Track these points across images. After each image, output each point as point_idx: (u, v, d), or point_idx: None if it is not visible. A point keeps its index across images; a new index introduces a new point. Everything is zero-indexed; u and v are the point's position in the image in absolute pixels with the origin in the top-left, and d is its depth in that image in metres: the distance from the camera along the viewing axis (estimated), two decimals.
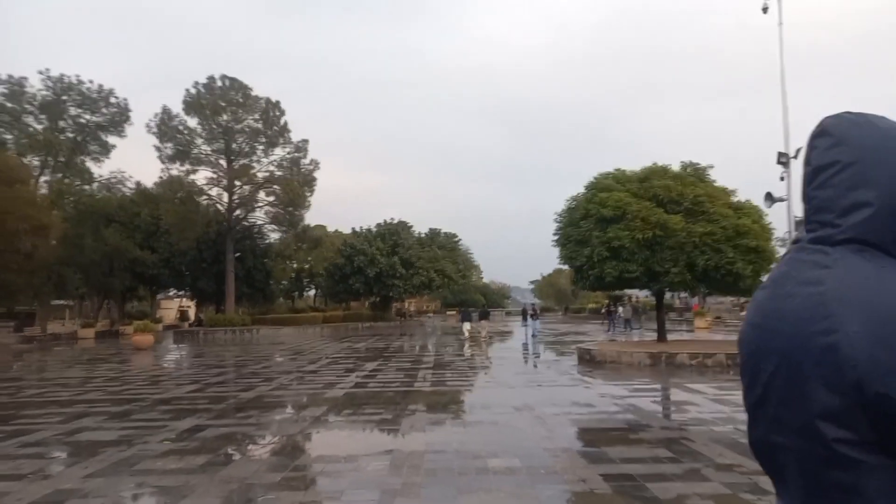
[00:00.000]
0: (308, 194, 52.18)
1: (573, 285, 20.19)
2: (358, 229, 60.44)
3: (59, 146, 44.95)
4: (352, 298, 57.44)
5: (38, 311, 41.91)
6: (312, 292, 74.73)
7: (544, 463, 5.58)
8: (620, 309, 28.84)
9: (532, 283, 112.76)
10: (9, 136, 43.50)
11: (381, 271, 53.02)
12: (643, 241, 15.62)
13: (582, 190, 17.53)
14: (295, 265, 69.65)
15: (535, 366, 15.22)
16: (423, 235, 65.39)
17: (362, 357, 18.02)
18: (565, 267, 19.44)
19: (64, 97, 45.78)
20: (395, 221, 59.53)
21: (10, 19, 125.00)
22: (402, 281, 54.07)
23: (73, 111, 46.62)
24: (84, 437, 7.28)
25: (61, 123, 46.07)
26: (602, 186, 17.02)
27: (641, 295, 28.32)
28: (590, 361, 15.05)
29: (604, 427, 7.52)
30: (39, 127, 44.91)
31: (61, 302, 46.70)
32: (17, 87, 43.75)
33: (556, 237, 17.59)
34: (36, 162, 44.03)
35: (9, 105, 43.47)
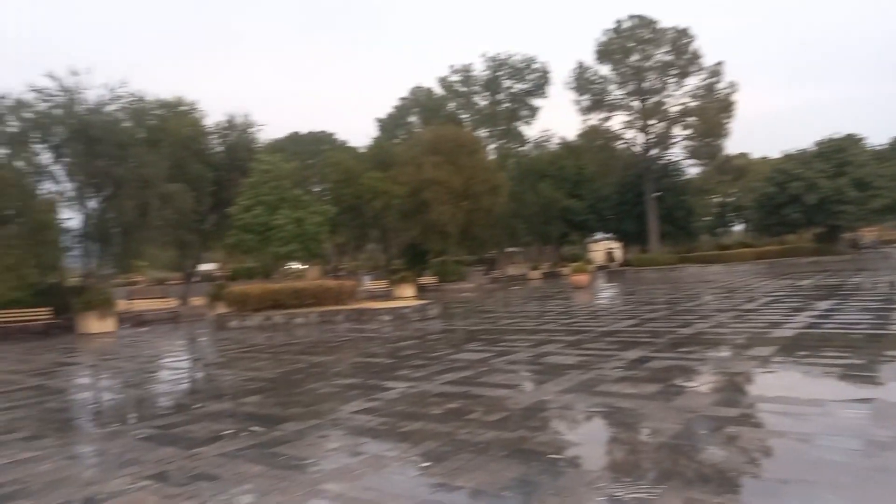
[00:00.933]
0: (726, 121, 48.34)
1: None
2: (791, 152, 52.71)
3: (499, 117, 52.85)
4: (787, 231, 50.87)
5: (498, 256, 50.79)
6: (739, 227, 69.28)
7: None
8: None
9: None
10: (465, 115, 53.36)
11: (825, 197, 45.15)
12: None
13: None
14: (718, 199, 65.58)
15: None
16: (881, 148, 52.80)
17: (810, 295, 15.94)
18: None
19: (499, 73, 53.34)
20: (840, 136, 49.50)
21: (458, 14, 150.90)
22: (854, 206, 44.99)
23: (506, 84, 53.93)
24: (550, 360, 8.61)
25: (499, 96, 53.92)
26: None
27: None
28: None
29: None
30: (483, 103, 53.63)
31: (513, 249, 55.44)
32: (467, 73, 53.17)
33: None
34: (484, 133, 52.87)
35: (463, 89, 53.26)
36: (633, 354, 8.49)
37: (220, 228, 28.41)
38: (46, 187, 23.26)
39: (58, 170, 23.27)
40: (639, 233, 50.83)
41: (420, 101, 55.47)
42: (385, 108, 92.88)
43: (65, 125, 22.28)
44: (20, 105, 21.88)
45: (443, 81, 54.78)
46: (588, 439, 4.87)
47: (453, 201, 36.63)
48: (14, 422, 6.77)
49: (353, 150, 44.94)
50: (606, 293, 24.43)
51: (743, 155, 62.45)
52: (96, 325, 20.04)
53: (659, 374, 7.03)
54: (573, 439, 4.88)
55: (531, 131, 56.47)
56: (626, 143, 51.69)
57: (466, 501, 3.63)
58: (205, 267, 44.00)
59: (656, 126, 49.91)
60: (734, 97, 48.05)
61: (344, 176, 35.40)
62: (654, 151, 51.03)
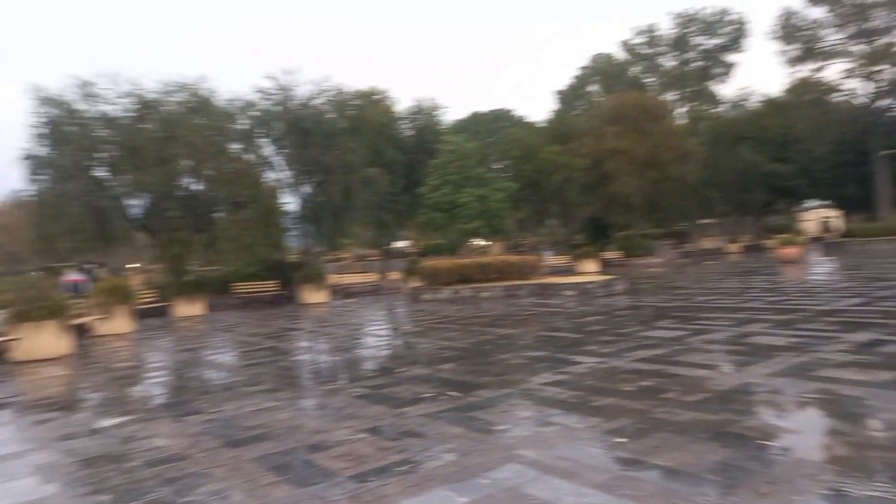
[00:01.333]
0: None
1: None
2: None
3: (689, 77, 48.80)
4: None
5: (690, 229, 47.39)
6: None
7: None
8: None
9: None
10: (650, 79, 50.17)
11: None
12: None
13: None
14: None
15: None
16: None
17: None
18: None
19: (687, 29, 49.15)
20: None
21: None
22: None
23: (696, 41, 49.54)
24: (755, 340, 7.90)
25: (688, 55, 49.75)
26: None
27: None
28: None
29: None
30: (671, 64, 49.90)
31: (706, 220, 51.22)
32: (651, 34, 49.84)
33: None
34: (672, 96, 49.26)
35: (648, 51, 50.07)
36: (860, 337, 7.47)
37: (412, 208, 30.35)
38: (270, 176, 26.78)
39: (278, 160, 26.65)
40: (863, 198, 43.84)
41: (600, 69, 53.22)
42: (564, 79, 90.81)
43: (282, 120, 25.37)
44: (248, 105, 25.37)
45: (625, 45, 51.91)
46: (805, 427, 4.44)
47: (638, 171, 34.82)
48: (257, 376, 8.03)
49: (532, 125, 44.78)
50: (823, 268, 21.59)
51: None
52: (313, 296, 22.75)
53: (895, 361, 6.12)
54: (787, 426, 4.48)
55: (726, 90, 51.40)
56: (845, 94, 44.58)
57: (664, 481, 3.55)
58: (399, 244, 47.40)
59: (886, 72, 42.27)
60: None
61: (524, 152, 35.51)
62: (882, 102, 43.40)
